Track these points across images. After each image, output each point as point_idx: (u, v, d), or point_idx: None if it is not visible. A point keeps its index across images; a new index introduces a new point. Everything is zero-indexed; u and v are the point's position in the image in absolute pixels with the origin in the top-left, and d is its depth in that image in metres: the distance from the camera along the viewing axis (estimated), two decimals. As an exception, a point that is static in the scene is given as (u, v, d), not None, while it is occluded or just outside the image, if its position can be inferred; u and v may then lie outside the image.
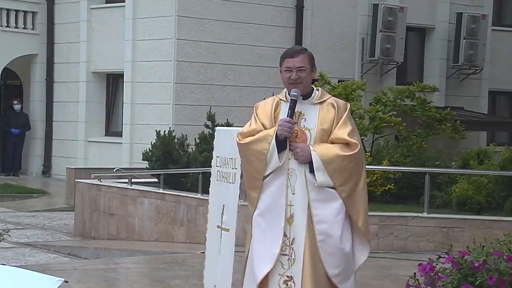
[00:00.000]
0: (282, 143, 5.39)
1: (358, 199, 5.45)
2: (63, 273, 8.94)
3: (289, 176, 5.40)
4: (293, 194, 5.38)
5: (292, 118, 5.40)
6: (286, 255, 5.37)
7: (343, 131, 5.39)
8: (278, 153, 5.36)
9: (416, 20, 22.59)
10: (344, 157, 5.36)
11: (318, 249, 5.31)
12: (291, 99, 5.43)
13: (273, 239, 5.37)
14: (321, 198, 5.36)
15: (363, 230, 5.48)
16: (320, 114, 5.45)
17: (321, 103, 5.48)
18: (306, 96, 5.50)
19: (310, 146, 5.38)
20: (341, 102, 5.55)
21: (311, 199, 5.35)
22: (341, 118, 5.42)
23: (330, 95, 5.58)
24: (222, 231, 5.65)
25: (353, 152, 5.39)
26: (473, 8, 23.22)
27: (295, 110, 5.44)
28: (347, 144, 5.39)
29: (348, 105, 5.54)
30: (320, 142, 5.40)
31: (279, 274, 5.38)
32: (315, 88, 5.57)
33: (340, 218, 5.38)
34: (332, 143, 5.40)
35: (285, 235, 5.38)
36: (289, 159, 5.39)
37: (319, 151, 5.36)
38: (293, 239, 5.36)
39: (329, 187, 5.37)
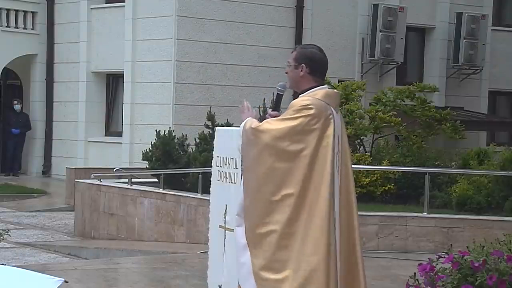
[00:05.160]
0: None
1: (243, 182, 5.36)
2: (63, 273, 8.94)
3: None
4: None
5: (276, 110, 5.50)
6: None
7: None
8: None
9: (416, 20, 22.59)
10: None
11: None
12: (276, 93, 5.59)
13: None
14: None
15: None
16: None
17: None
18: (300, 93, 5.49)
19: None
20: (299, 101, 5.34)
21: None
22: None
23: (310, 95, 5.37)
24: (226, 231, 5.64)
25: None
26: (473, 8, 23.22)
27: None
28: None
29: (302, 104, 5.28)
30: None
31: None
32: (317, 88, 5.41)
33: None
34: None
35: None
36: None
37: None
38: None
39: None
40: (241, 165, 5.41)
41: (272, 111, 5.52)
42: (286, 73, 5.52)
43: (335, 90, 5.78)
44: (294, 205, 5.16)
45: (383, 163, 14.18)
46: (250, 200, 5.23)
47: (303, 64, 5.42)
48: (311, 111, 5.25)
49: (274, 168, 5.19)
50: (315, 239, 5.13)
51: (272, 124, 5.27)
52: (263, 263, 5.13)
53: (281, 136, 5.21)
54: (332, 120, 5.33)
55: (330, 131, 5.29)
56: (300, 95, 5.46)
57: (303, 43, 20.39)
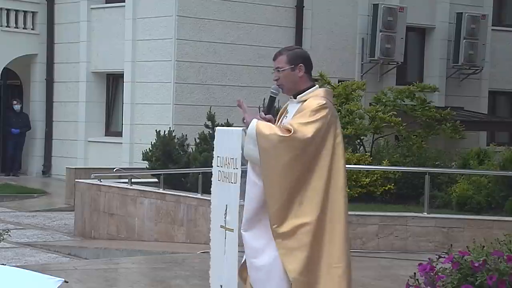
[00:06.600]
0: None
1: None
2: (63, 273, 8.94)
3: None
4: None
5: (269, 114, 5.49)
6: None
7: (291, 121, 5.33)
8: None
9: (416, 20, 22.59)
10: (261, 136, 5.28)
11: None
12: (269, 96, 5.59)
13: None
14: None
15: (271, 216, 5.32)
16: (295, 113, 5.44)
17: (304, 101, 5.44)
18: (297, 94, 5.48)
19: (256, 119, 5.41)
20: (314, 101, 5.34)
21: None
22: (301, 112, 5.33)
23: (317, 95, 5.40)
24: (227, 231, 5.64)
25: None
26: (473, 8, 23.22)
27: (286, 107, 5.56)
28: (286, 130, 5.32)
29: (319, 104, 5.30)
30: None
31: None
32: (315, 87, 5.49)
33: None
34: None
35: None
36: None
37: (260, 123, 5.36)
38: None
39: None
40: (247, 167, 5.41)
41: (265, 114, 5.50)
42: (275, 80, 5.52)
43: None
44: (321, 203, 5.24)
45: (383, 163, 14.17)
46: (280, 205, 5.24)
47: (301, 64, 5.46)
48: (327, 110, 5.32)
49: (304, 172, 5.25)
50: (341, 236, 5.24)
51: (302, 131, 5.23)
52: (299, 267, 5.17)
53: (311, 141, 5.25)
54: (338, 118, 5.47)
55: (339, 128, 5.42)
56: (297, 96, 5.47)
57: (303, 43, 20.45)
